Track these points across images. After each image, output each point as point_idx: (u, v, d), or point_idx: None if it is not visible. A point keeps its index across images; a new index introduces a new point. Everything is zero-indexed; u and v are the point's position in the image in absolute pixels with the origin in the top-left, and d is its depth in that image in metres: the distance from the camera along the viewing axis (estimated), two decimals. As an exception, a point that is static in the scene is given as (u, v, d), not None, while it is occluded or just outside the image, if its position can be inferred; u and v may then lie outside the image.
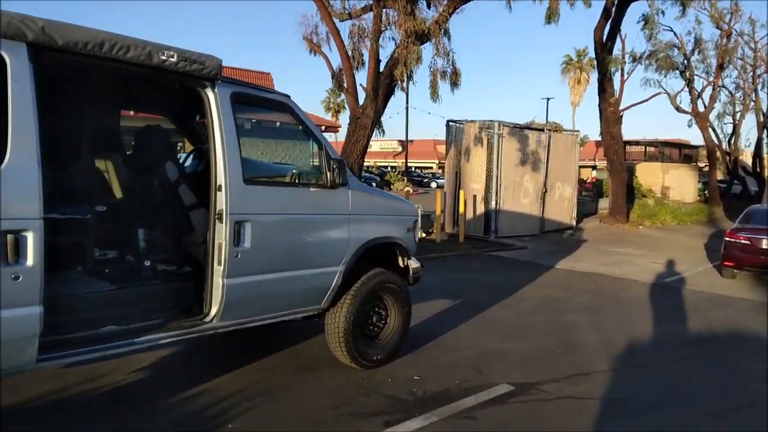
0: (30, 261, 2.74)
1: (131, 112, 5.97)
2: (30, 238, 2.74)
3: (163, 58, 3.37)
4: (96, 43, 3.07)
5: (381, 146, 52.05)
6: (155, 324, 3.61)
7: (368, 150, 12.54)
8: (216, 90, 3.72)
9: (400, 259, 5.22)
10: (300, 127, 4.39)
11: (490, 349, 5.59)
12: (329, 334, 4.67)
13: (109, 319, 3.45)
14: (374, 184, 27.22)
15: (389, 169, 41.42)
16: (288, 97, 4.35)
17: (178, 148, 5.97)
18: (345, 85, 12.14)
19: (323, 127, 22.71)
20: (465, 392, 4.42)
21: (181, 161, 4.76)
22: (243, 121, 5.29)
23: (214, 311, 3.74)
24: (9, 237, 2.66)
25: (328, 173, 4.29)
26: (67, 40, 2.96)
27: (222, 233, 3.67)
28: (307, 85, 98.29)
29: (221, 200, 3.67)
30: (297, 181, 4.26)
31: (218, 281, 3.70)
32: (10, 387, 4.05)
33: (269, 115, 4.86)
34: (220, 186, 3.68)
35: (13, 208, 2.69)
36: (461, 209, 13.44)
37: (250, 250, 3.79)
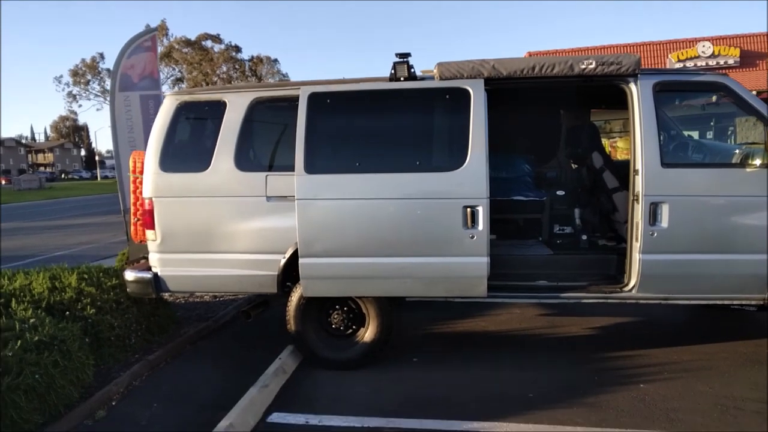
0: (480, 226, 4.10)
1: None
2: (480, 211, 4.09)
3: (583, 66, 4.10)
4: (529, 67, 4.14)
5: None
6: (580, 285, 4.41)
7: None
8: (638, 83, 4.14)
9: None
10: (741, 106, 4.17)
11: None
12: (783, 330, 4.23)
13: (543, 276, 4.51)
14: None
15: None
16: (725, 76, 4.20)
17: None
18: None
19: None
20: None
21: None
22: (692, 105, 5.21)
23: (632, 282, 4.20)
24: (468, 210, 4.09)
25: (771, 151, 3.94)
26: (509, 70, 4.16)
27: (638, 213, 4.09)
28: None
29: (638, 183, 4.09)
30: (734, 161, 4.10)
31: (635, 256, 4.14)
32: (501, 320, 5.74)
33: (704, 97, 4.68)
34: (637, 170, 4.10)
35: (470, 191, 4.10)
36: None
37: (666, 229, 4.03)
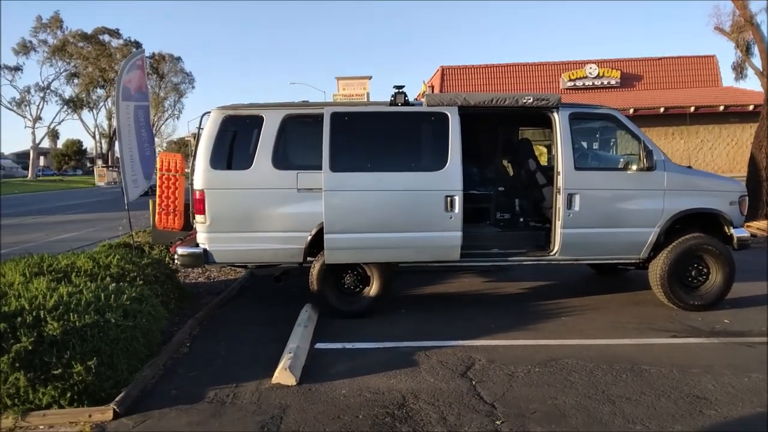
0: (456, 210, 5.83)
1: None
2: (456, 199, 5.82)
3: (524, 101, 5.97)
4: (488, 99, 5.95)
5: None
6: (521, 252, 6.30)
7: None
8: (559, 113, 6.08)
9: (725, 228, 6.30)
10: (624, 130, 6.25)
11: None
12: (650, 279, 6.35)
13: (496, 246, 6.35)
14: None
15: None
16: (614, 109, 6.26)
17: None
18: (761, 67, 11.96)
19: None
20: (761, 334, 5.38)
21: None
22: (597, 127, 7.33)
23: (556, 249, 6.13)
24: (448, 198, 5.81)
25: (644, 160, 6.02)
26: (475, 101, 5.95)
27: (560, 201, 6.01)
28: None
29: (560, 180, 6.02)
30: (619, 166, 6.15)
31: (558, 231, 6.07)
32: (456, 285, 7.54)
33: (601, 123, 6.80)
34: (559, 172, 6.03)
35: (450, 186, 5.82)
36: None
37: (578, 211, 6.00)
